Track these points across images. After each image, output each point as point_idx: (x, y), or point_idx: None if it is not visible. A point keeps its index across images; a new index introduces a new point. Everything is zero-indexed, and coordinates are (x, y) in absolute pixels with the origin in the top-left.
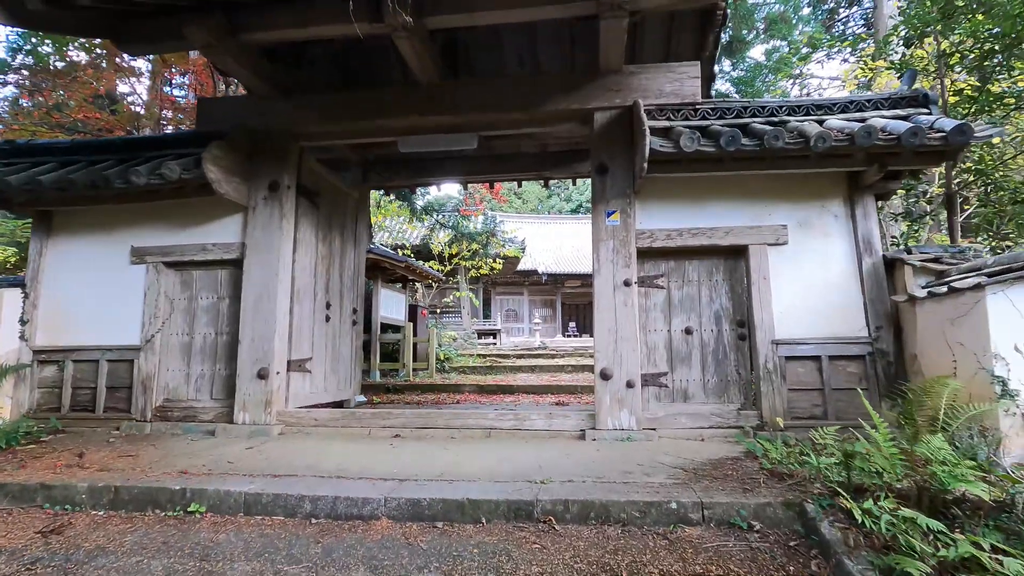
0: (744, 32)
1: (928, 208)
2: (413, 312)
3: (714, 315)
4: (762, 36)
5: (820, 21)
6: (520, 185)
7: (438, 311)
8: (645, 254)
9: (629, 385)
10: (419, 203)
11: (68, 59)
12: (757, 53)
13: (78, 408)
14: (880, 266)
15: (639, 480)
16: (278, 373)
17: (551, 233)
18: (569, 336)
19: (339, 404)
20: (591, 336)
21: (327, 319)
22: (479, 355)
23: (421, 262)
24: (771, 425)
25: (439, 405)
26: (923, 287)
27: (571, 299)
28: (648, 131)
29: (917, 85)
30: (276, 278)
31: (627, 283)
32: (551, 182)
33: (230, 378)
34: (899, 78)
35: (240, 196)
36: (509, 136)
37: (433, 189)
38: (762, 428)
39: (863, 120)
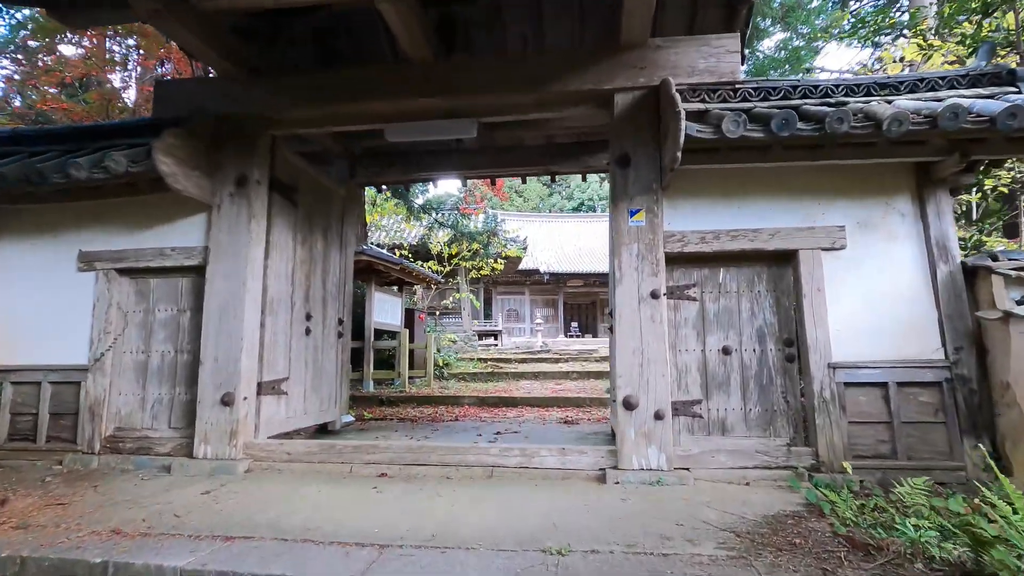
0: (759, 19)
1: (998, 206)
2: (410, 316)
3: (756, 332)
4: (779, 24)
5: (836, 5)
6: (524, 181)
7: (437, 313)
8: (674, 260)
9: (658, 416)
10: (417, 201)
11: (58, 52)
12: (770, 45)
13: (17, 437)
14: (959, 275)
15: (681, 551)
16: (245, 399)
17: (553, 232)
18: (571, 336)
19: (323, 427)
20: (594, 336)
21: (307, 332)
22: (479, 359)
23: (419, 263)
24: (828, 466)
25: (435, 423)
26: (1019, 301)
27: (573, 299)
28: (683, 113)
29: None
30: (243, 287)
31: (654, 295)
32: (556, 178)
33: (191, 404)
34: (971, 54)
35: (202, 193)
36: (512, 126)
37: (432, 187)
38: (817, 469)
39: (938, 101)
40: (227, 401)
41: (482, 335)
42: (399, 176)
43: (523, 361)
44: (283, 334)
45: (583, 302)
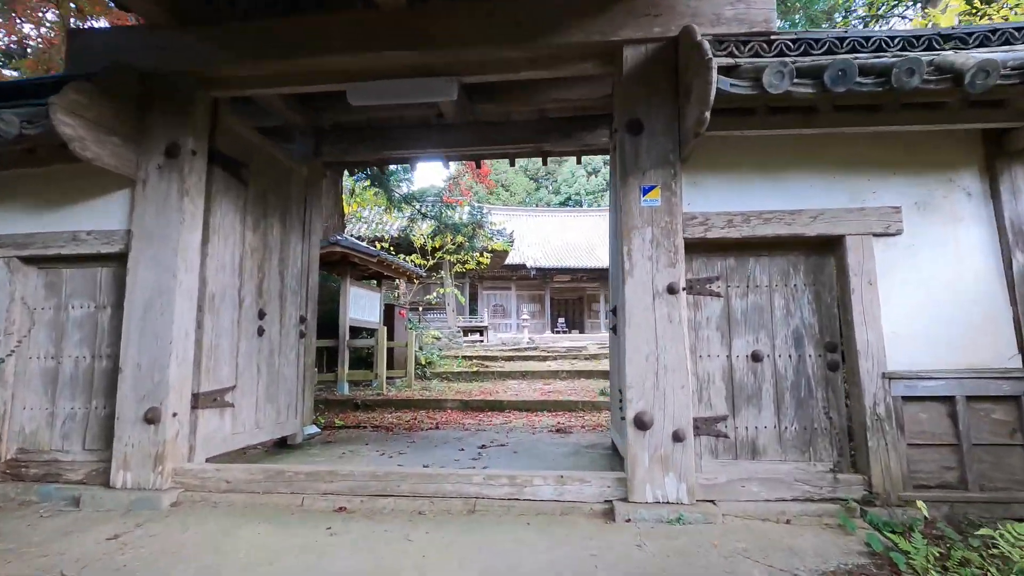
0: None
1: None
2: (390, 313)
3: (792, 334)
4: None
5: None
6: (512, 163)
7: (420, 309)
8: (695, 248)
9: (677, 438)
10: (399, 191)
11: None
12: None
13: None
14: None
15: None
16: (175, 415)
17: (539, 226)
18: (558, 332)
19: (282, 441)
20: (581, 332)
21: (260, 332)
22: (464, 357)
23: (401, 256)
24: (884, 498)
25: (413, 432)
26: None
27: (560, 294)
28: (715, 64)
29: None
30: (174, 279)
31: (672, 289)
32: (544, 170)
33: (111, 420)
34: None
35: (123, 164)
36: (499, 96)
37: (412, 172)
38: (871, 502)
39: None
40: (151, 418)
41: (467, 331)
42: (370, 154)
43: (510, 359)
44: (228, 335)
45: (570, 297)
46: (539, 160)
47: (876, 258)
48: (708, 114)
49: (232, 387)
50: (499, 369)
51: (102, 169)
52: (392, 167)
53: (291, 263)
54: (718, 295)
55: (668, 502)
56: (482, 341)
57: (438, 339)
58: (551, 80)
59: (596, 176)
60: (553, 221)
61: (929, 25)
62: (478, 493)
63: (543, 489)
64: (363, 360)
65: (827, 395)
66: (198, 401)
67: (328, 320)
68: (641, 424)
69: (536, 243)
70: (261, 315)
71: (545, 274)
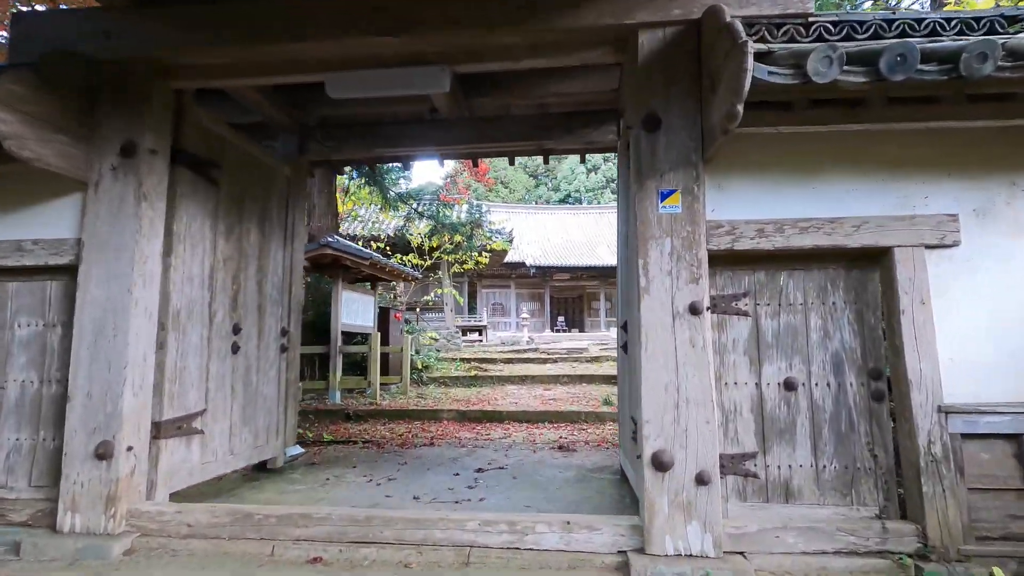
0: None
1: None
2: (384, 316)
3: (831, 360)
4: None
5: None
6: (512, 162)
7: (418, 309)
8: (720, 261)
9: (701, 481)
10: (395, 189)
11: None
12: None
13: None
14: None
15: None
16: (130, 448)
17: (539, 224)
18: (558, 331)
19: (262, 465)
20: (580, 331)
21: (235, 349)
22: (462, 359)
23: (398, 256)
24: (942, 552)
25: (405, 449)
26: None
27: (560, 293)
28: (751, 48)
29: None
30: (129, 296)
31: (695, 309)
32: (544, 167)
33: (60, 453)
34: None
35: (72, 165)
36: (497, 89)
37: (405, 169)
38: (926, 556)
39: None
40: (103, 453)
41: (466, 330)
42: (360, 152)
43: (509, 361)
44: (197, 355)
45: (570, 296)
46: (539, 157)
47: (929, 273)
48: (741, 107)
49: (201, 412)
50: (498, 373)
51: (46, 171)
52: (387, 165)
53: (271, 271)
54: (746, 314)
55: (691, 555)
56: (481, 341)
57: (436, 340)
58: (553, 71)
59: (596, 173)
60: (553, 219)
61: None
62: (472, 541)
63: (547, 537)
64: (358, 364)
65: (871, 429)
66: (160, 431)
67: (319, 326)
68: (659, 465)
69: (536, 241)
70: (236, 330)
71: (545, 272)
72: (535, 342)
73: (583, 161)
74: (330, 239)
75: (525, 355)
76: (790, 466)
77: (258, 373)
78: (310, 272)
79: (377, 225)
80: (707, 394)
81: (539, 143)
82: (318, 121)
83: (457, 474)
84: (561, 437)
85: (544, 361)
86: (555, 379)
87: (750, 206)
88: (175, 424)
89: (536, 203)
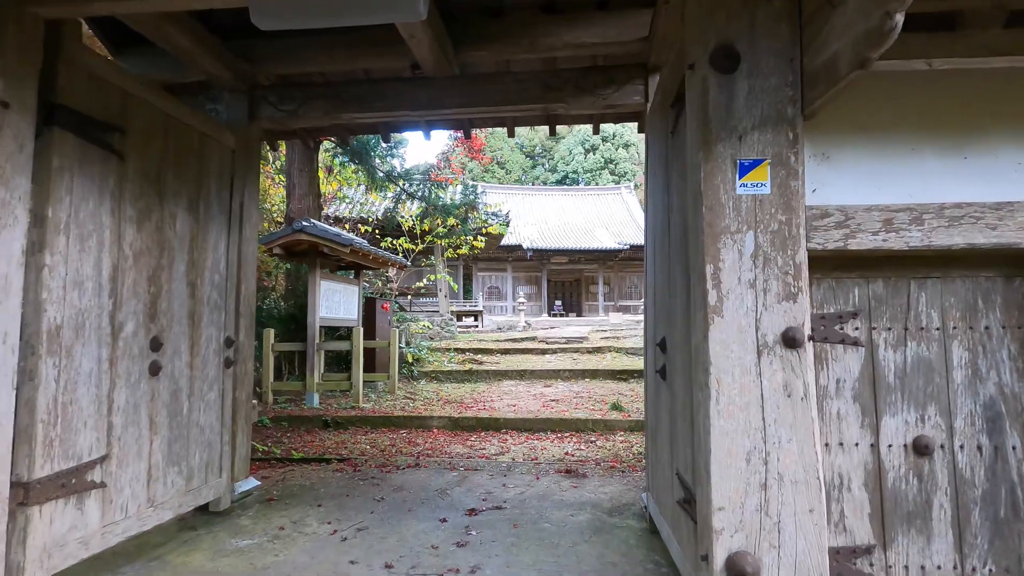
0: None
1: None
2: (370, 307)
3: (983, 411)
4: None
5: None
6: (511, 133)
7: (410, 297)
8: (820, 264)
9: None
10: (383, 168)
11: None
12: None
13: None
14: None
15: None
16: None
17: (536, 205)
18: (555, 315)
19: (204, 508)
20: (578, 315)
21: (154, 370)
22: (456, 350)
23: (388, 239)
24: None
25: (385, 473)
26: None
27: (557, 276)
28: None
29: None
30: None
31: (791, 340)
32: (530, 148)
33: None
34: None
35: None
36: (492, 37)
37: (409, 154)
38: None
39: None
40: None
41: (461, 315)
42: (324, 117)
43: (506, 352)
44: (93, 384)
45: (567, 279)
46: (535, 136)
47: None
48: (898, 18)
49: (101, 459)
50: (494, 367)
51: None
52: (367, 138)
53: (210, 268)
54: (856, 343)
55: None
56: (476, 326)
57: (429, 327)
58: (565, 15)
59: (594, 153)
60: (550, 200)
61: None
62: None
63: None
64: (343, 359)
65: None
66: (29, 494)
67: (303, 317)
68: (738, 572)
69: (533, 223)
70: (155, 346)
71: (542, 255)
72: (532, 327)
73: (596, 132)
74: (305, 223)
75: (522, 344)
76: (923, 567)
77: (191, 397)
78: (284, 260)
79: (366, 207)
80: (811, 468)
81: (546, 107)
82: (274, 80)
83: (444, 519)
84: (567, 454)
85: (543, 352)
86: (555, 374)
87: (870, 185)
88: (57, 481)
89: (533, 184)
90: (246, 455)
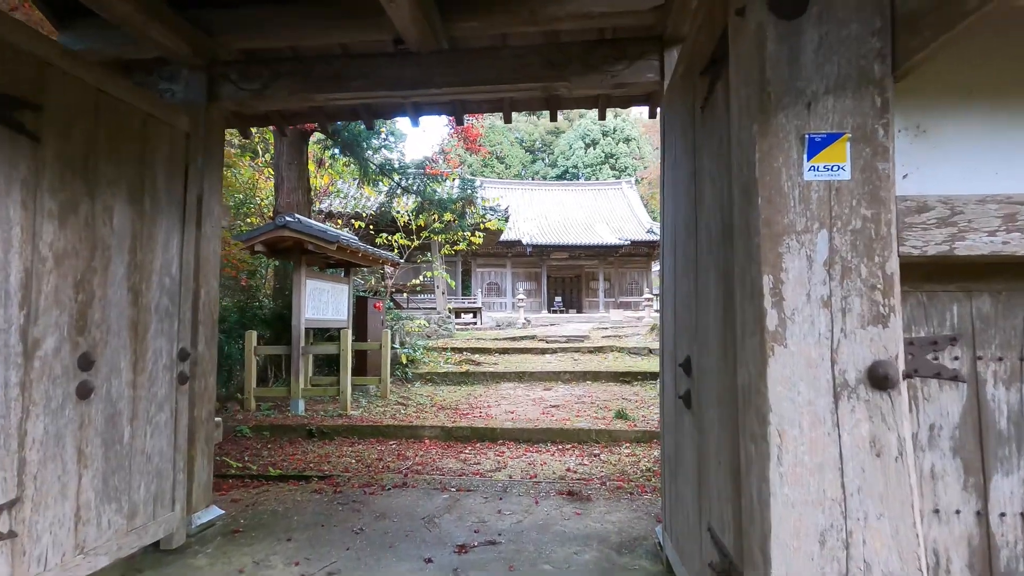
0: None
1: None
2: (361, 307)
3: None
4: None
5: None
6: (508, 119)
7: (406, 294)
8: (910, 272)
9: None
10: (376, 160)
11: None
12: None
13: None
14: None
15: None
16: None
17: (536, 200)
18: (555, 312)
19: (156, 545)
20: (578, 312)
21: (83, 392)
22: (453, 349)
23: (384, 235)
24: None
25: (368, 495)
26: None
27: (557, 272)
28: None
29: None
30: None
31: (880, 379)
32: (530, 143)
33: None
34: None
35: None
36: (486, 6)
37: (408, 149)
38: None
39: None
40: None
41: (460, 312)
42: (293, 98)
43: (504, 352)
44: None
45: (567, 275)
46: (535, 131)
47: None
48: None
49: (10, 503)
50: (492, 368)
51: None
52: (362, 129)
53: (158, 269)
54: (957, 378)
55: None
56: (475, 323)
57: (426, 325)
58: None
59: (595, 148)
60: (550, 195)
61: None
62: None
63: None
64: (334, 360)
65: None
66: None
67: (279, 323)
68: None
69: (532, 218)
70: (86, 364)
71: (541, 251)
72: (531, 324)
73: (602, 117)
74: (289, 218)
75: (522, 343)
76: None
77: (134, 421)
78: (268, 258)
79: (361, 201)
80: (910, 554)
81: (547, 85)
82: (236, 55)
83: (429, 559)
84: (569, 470)
85: (543, 352)
86: (556, 376)
87: (983, 168)
88: None
89: (533, 179)
90: (207, 481)
